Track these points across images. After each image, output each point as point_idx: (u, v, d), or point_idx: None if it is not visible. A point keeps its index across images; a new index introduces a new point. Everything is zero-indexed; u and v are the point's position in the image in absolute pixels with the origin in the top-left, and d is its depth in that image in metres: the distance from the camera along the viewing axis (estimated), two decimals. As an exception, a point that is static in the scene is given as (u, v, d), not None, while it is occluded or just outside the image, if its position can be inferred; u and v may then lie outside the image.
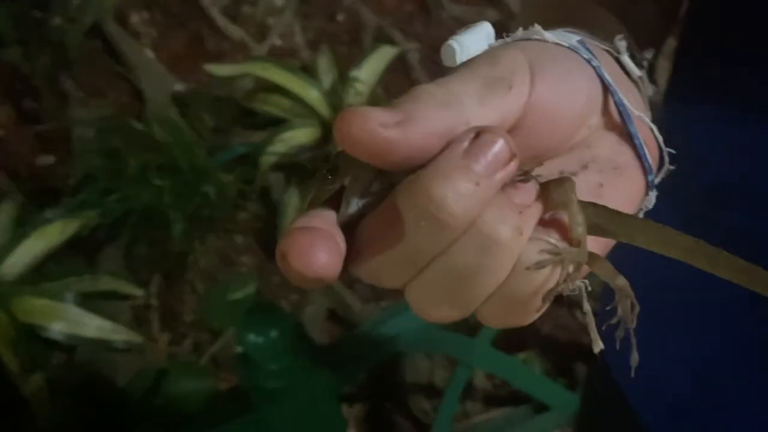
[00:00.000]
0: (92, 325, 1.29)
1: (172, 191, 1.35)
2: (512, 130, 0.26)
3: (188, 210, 1.37)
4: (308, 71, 1.54)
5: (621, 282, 0.26)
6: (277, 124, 1.50)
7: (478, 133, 0.23)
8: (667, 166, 0.31)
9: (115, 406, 1.30)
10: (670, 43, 0.45)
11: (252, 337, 0.84)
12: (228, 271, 1.47)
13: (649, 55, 0.35)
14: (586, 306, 0.26)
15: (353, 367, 1.07)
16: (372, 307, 1.43)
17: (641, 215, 0.30)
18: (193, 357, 1.38)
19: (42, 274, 1.31)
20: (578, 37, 0.30)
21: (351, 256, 0.24)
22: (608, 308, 0.26)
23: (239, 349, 0.90)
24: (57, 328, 1.27)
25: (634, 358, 0.26)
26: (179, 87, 1.58)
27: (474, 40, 0.28)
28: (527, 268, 0.23)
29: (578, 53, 0.29)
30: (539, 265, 0.24)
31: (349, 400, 1.35)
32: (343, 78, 1.53)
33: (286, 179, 1.50)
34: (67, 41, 1.54)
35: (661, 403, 0.51)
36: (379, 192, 0.24)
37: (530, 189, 0.24)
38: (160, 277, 1.43)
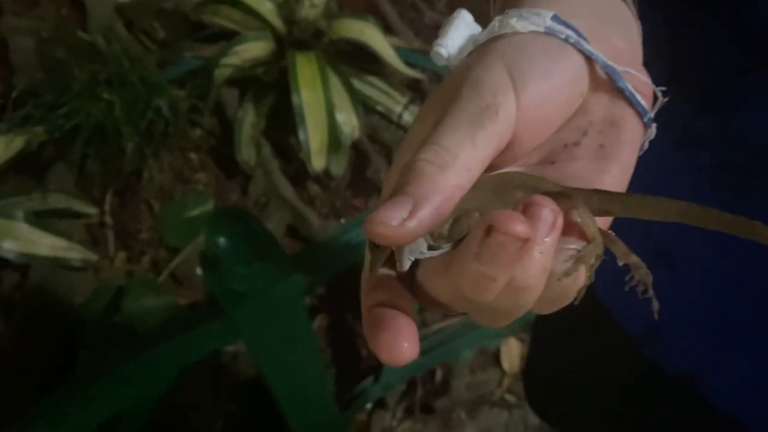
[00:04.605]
0: (45, 244, 1.25)
1: (122, 106, 1.30)
2: (509, 144, 0.28)
3: (140, 126, 1.33)
4: (260, -18, 1.49)
5: (634, 259, 0.30)
6: (228, 37, 1.45)
7: (525, 207, 0.25)
8: (661, 99, 0.33)
9: (73, 325, 1.28)
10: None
11: (221, 241, 0.83)
12: (183, 189, 1.44)
13: None
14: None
15: (315, 278, 1.08)
16: (331, 223, 1.43)
17: (647, 145, 0.33)
18: (152, 275, 1.36)
19: (-12, 192, 1.26)
20: (551, 13, 0.30)
21: (415, 295, 0.28)
22: (627, 278, 0.31)
23: (203, 259, 0.90)
24: (8, 247, 1.23)
25: (655, 305, 0.31)
26: (123, -1, 1.51)
27: (456, 37, 0.31)
28: (558, 280, 0.27)
29: (554, 35, 0.29)
30: (567, 273, 0.27)
31: (311, 312, 1.36)
32: (296, -10, 1.49)
33: (241, 94, 1.46)
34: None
35: (621, 287, 0.53)
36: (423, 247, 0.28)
37: (547, 218, 0.25)
38: (114, 195, 1.40)
